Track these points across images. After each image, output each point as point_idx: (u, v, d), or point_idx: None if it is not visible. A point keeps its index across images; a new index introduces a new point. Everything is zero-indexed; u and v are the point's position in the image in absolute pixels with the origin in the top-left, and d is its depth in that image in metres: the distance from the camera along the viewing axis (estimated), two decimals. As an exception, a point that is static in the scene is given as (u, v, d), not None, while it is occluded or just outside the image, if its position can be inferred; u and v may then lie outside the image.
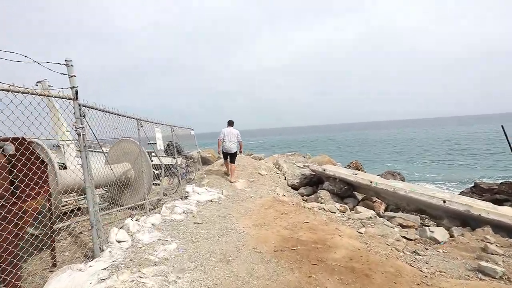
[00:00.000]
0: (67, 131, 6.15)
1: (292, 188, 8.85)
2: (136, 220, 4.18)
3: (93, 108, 3.28)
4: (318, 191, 7.65)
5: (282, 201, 6.48)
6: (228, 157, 8.03)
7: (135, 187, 5.57)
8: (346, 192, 7.46)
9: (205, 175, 8.37)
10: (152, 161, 7.56)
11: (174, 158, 7.30)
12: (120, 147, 5.77)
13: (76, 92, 2.97)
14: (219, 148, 7.94)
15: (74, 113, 2.92)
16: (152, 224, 4.27)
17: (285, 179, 9.25)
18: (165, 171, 11.22)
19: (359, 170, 12.44)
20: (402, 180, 8.68)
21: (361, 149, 39.76)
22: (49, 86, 5.39)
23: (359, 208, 6.03)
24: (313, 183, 9.04)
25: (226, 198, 6.58)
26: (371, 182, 6.60)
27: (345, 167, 11.61)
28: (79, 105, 2.95)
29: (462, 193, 9.61)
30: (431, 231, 4.34)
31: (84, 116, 3.02)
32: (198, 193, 6.60)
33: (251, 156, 12.06)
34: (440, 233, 4.33)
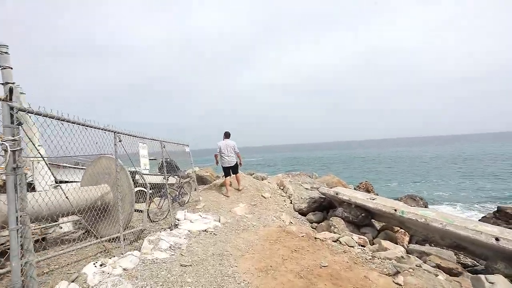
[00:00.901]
0: (40, 145, 5.25)
1: (299, 213, 7.81)
2: (101, 265, 3.16)
3: (38, 114, 2.38)
4: (331, 219, 6.61)
5: (290, 232, 5.44)
6: (230, 171, 7.90)
7: (114, 215, 4.58)
8: (364, 220, 6.42)
9: (201, 198, 7.36)
10: (139, 181, 6.61)
11: (164, 177, 6.36)
12: (99, 166, 4.83)
13: (10, 91, 2.08)
14: (216, 161, 7.90)
15: (1, 119, 2.02)
16: (124, 269, 3.25)
17: (291, 202, 8.22)
18: (155, 192, 10.23)
19: (369, 192, 11.43)
20: (425, 206, 7.64)
21: (368, 168, 38.58)
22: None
23: (384, 242, 4.98)
24: (323, 207, 8.02)
25: (224, 227, 5.55)
26: (395, 211, 5.58)
27: (354, 189, 10.59)
28: (12, 109, 2.05)
29: (484, 219, 8.54)
30: (490, 282, 3.30)
31: (20, 124, 2.11)
32: (190, 221, 5.59)
33: (253, 175, 11.07)
34: (502, 284, 3.29)
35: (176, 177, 6.99)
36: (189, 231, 5.07)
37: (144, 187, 5.04)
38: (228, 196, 7.66)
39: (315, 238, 5.82)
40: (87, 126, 3.22)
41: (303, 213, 7.82)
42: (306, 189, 9.14)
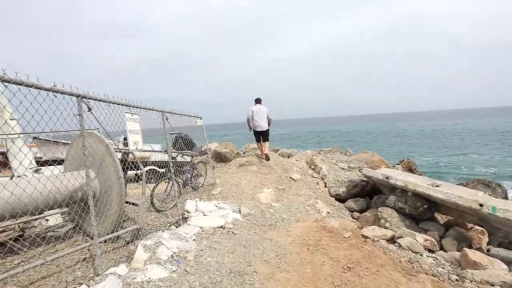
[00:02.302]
0: (13, 119, 4.16)
1: (336, 199, 6.46)
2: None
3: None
4: (380, 209, 5.21)
5: (332, 231, 4.14)
6: (261, 137, 7.58)
7: (102, 209, 3.47)
8: (425, 213, 4.96)
9: (217, 181, 6.17)
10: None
11: (172, 154, 5.20)
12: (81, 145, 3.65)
13: None
14: (249, 126, 7.57)
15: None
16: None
17: (325, 185, 6.86)
18: (161, 174, 9.14)
19: (413, 171, 9.78)
20: (505, 195, 5.98)
21: (398, 141, 35.87)
22: None
23: (470, 253, 3.53)
24: (365, 193, 6.60)
25: (246, 222, 4.34)
26: (481, 206, 4.05)
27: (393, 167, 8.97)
28: None
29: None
30: None
31: None
32: (203, 213, 4.42)
33: (278, 152, 9.72)
34: None
35: (185, 156, 5.78)
36: (200, 228, 3.90)
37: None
38: (264, 158, 7.47)
39: (363, 236, 4.49)
40: (47, 90, 1.97)
41: (340, 199, 6.46)
42: (342, 169, 7.69)
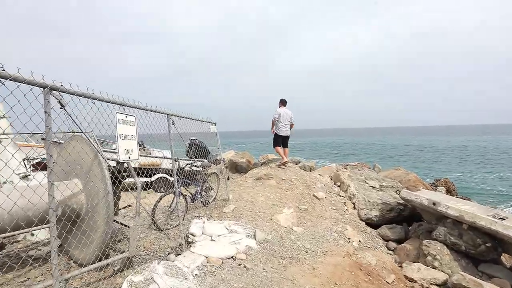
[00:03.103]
0: (3, 116, 3.67)
1: (367, 224, 5.54)
2: None
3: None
4: (426, 243, 4.25)
5: (369, 271, 3.26)
6: (282, 142, 7.38)
7: (84, 231, 2.82)
8: (487, 253, 3.95)
9: (230, 196, 5.44)
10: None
11: (176, 160, 4.54)
12: (70, 151, 3.05)
13: None
14: (273, 129, 7.34)
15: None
16: None
17: (354, 207, 5.95)
18: (167, 183, 8.48)
19: (451, 193, 8.59)
20: None
21: (424, 156, 33.68)
22: None
23: None
24: (402, 218, 5.63)
25: (261, 251, 3.56)
26: None
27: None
28: None
29: None
30: None
31: None
32: (211, 238, 3.69)
33: (299, 164, 8.89)
34: None
35: (193, 166, 5.08)
36: (206, 258, 3.17)
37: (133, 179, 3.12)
38: (284, 165, 7.24)
39: (408, 278, 3.57)
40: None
41: (372, 224, 5.53)
42: (373, 188, 6.73)
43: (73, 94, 1.99)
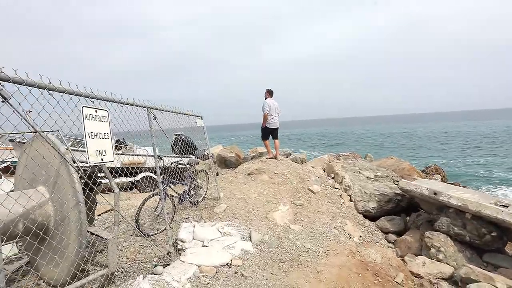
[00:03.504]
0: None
1: (365, 216, 5.34)
2: None
3: None
4: (428, 235, 4.07)
5: (377, 271, 3.02)
6: (271, 134, 7.15)
7: (57, 244, 2.40)
8: (493, 243, 3.80)
9: (221, 194, 5.09)
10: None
11: (160, 158, 4.16)
12: (33, 155, 2.59)
13: None
14: (264, 123, 6.95)
15: None
16: None
17: (350, 200, 5.73)
18: (153, 182, 8.02)
19: (443, 180, 8.58)
20: None
21: (408, 144, 34.29)
22: None
23: None
24: (400, 209, 5.46)
25: (259, 255, 3.25)
26: None
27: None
28: None
29: None
30: None
31: None
32: (202, 243, 3.34)
33: (290, 157, 8.61)
34: None
35: (179, 163, 4.66)
36: (198, 268, 2.83)
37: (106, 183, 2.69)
38: (273, 158, 7.11)
39: (414, 274, 3.36)
40: None
41: (370, 216, 5.34)
42: (368, 178, 6.55)
43: (21, 84, 1.56)
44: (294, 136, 56.07)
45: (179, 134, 8.77)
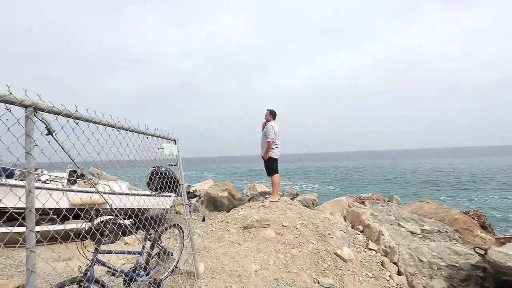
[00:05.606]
0: None
1: (427, 302, 3.40)
2: None
3: None
4: None
5: None
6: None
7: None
8: None
9: (202, 266, 3.14)
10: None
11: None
12: None
13: None
14: (268, 153, 5.36)
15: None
16: None
17: (398, 271, 3.81)
18: (125, 227, 6.17)
19: (487, 230, 6.71)
20: None
21: (413, 179, 32.33)
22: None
23: None
24: (480, 290, 3.53)
25: None
26: None
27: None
28: None
29: None
30: None
31: None
32: None
33: (297, 198, 6.73)
34: None
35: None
36: None
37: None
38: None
39: None
40: None
41: (435, 302, 3.40)
42: (413, 234, 4.68)
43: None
44: (285, 172, 53.90)
45: (157, 166, 7.00)
